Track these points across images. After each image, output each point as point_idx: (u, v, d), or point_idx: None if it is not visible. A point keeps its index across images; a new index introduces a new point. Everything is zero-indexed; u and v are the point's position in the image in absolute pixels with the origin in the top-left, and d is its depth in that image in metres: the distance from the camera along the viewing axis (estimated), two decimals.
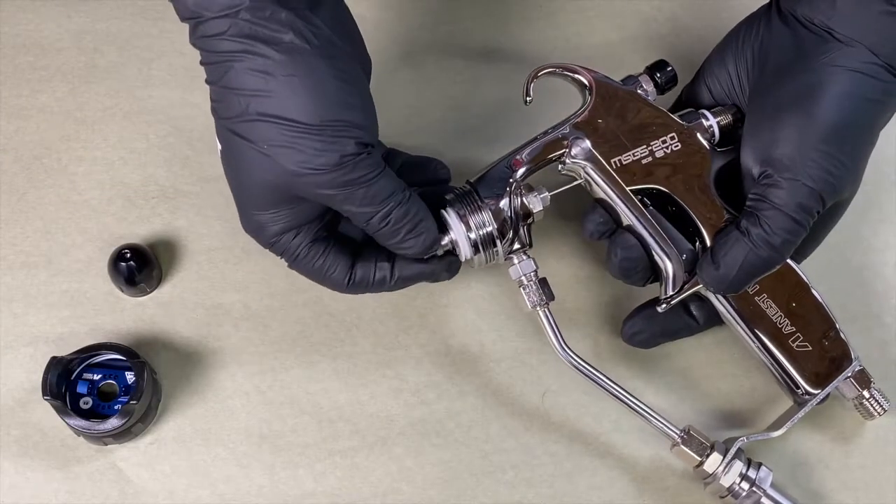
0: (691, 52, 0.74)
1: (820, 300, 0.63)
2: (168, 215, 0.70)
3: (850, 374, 0.63)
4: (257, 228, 0.60)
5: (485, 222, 0.61)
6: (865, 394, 0.64)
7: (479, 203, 0.61)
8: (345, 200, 0.57)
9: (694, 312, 0.66)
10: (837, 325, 0.63)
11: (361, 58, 0.61)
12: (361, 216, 0.58)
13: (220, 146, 0.59)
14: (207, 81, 0.57)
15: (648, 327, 0.66)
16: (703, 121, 0.64)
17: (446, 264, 0.63)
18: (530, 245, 0.63)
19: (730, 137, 0.65)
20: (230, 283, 0.68)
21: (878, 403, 0.64)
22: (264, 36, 0.54)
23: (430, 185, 0.64)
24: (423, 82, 0.75)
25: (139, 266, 0.65)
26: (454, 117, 0.74)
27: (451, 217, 0.61)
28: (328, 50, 0.56)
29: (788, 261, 0.63)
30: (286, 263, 0.62)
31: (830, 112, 0.60)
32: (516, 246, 0.62)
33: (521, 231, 0.62)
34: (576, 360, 0.62)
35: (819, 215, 0.61)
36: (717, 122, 0.64)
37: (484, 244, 0.62)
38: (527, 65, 0.74)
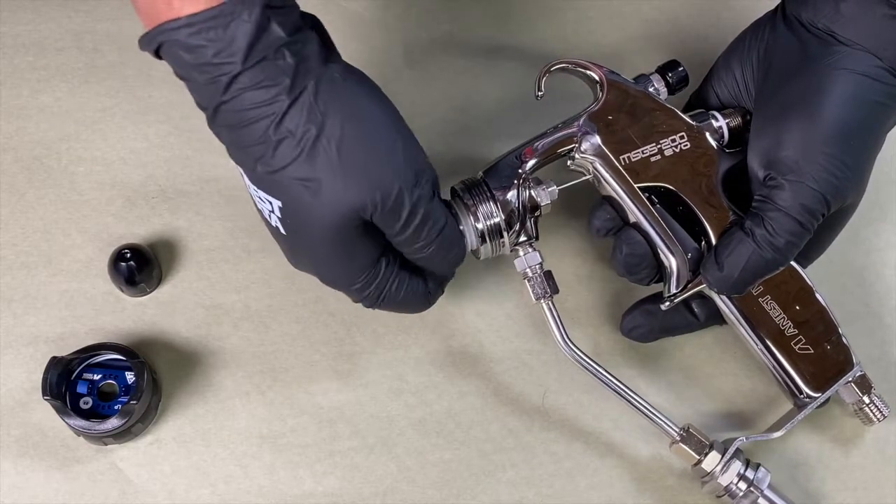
0: (692, 52, 0.74)
1: (824, 304, 0.63)
2: (168, 215, 0.70)
3: (850, 379, 0.63)
4: (347, 267, 0.57)
5: (492, 213, 0.61)
6: (865, 399, 0.64)
7: (488, 194, 0.61)
8: (414, 211, 0.55)
9: (695, 310, 0.66)
10: (840, 331, 0.63)
11: None
12: (427, 236, 0.57)
13: (270, 204, 0.55)
14: (254, 142, 0.53)
15: (648, 322, 0.66)
16: (713, 121, 0.65)
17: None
18: (537, 238, 0.63)
19: (739, 139, 0.65)
20: (230, 283, 0.68)
21: (878, 409, 0.64)
22: (323, 64, 0.53)
23: None
24: (423, 82, 0.75)
25: (139, 266, 0.65)
26: (455, 117, 0.74)
27: (458, 207, 0.62)
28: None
29: (793, 264, 0.63)
30: (369, 305, 0.60)
31: (834, 114, 0.60)
32: (523, 238, 0.62)
33: (528, 223, 0.62)
34: (578, 355, 0.62)
35: (824, 219, 0.61)
36: (727, 124, 0.65)
37: (491, 235, 0.62)
38: (527, 64, 0.75)
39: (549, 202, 0.62)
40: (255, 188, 0.55)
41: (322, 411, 0.66)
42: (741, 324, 0.63)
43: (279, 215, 0.55)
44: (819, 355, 0.63)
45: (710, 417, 0.67)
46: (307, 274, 0.60)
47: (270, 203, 0.55)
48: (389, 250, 0.59)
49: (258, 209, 0.58)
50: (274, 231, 0.57)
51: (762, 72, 0.64)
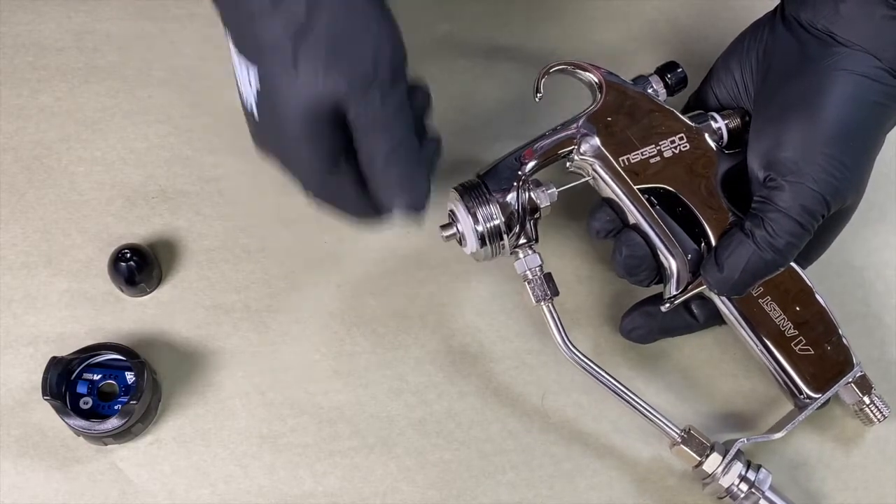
0: (693, 53, 0.74)
1: (824, 305, 0.63)
2: (168, 215, 0.70)
3: (851, 380, 0.63)
4: (312, 152, 0.56)
5: (492, 215, 0.61)
6: (866, 399, 0.64)
7: (487, 196, 0.61)
8: (383, 106, 0.55)
9: (695, 311, 0.66)
10: (840, 331, 0.63)
11: None
12: (384, 143, 0.55)
13: (250, 85, 0.55)
14: (252, 7, 0.53)
15: (647, 323, 0.66)
16: (712, 122, 0.65)
17: None
18: (536, 240, 0.63)
19: (738, 140, 0.65)
20: (230, 283, 0.68)
21: (878, 410, 0.64)
22: None
23: None
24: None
25: (139, 266, 0.65)
26: (454, 117, 0.74)
27: (458, 209, 0.61)
28: None
29: (793, 265, 0.63)
30: (318, 199, 0.59)
31: (834, 115, 0.60)
32: (522, 240, 0.62)
33: (528, 225, 0.62)
34: (578, 357, 0.62)
35: (824, 219, 0.61)
36: (726, 125, 0.65)
37: (491, 237, 0.62)
38: (527, 65, 0.75)
39: (548, 204, 0.62)
40: (238, 55, 0.55)
41: (322, 411, 0.66)
42: (741, 325, 0.63)
43: (256, 97, 0.55)
44: (819, 356, 0.63)
45: (709, 418, 0.67)
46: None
47: (250, 83, 0.55)
48: (353, 153, 0.57)
49: (239, 92, 0.57)
50: (248, 115, 0.57)
51: (761, 73, 0.64)
